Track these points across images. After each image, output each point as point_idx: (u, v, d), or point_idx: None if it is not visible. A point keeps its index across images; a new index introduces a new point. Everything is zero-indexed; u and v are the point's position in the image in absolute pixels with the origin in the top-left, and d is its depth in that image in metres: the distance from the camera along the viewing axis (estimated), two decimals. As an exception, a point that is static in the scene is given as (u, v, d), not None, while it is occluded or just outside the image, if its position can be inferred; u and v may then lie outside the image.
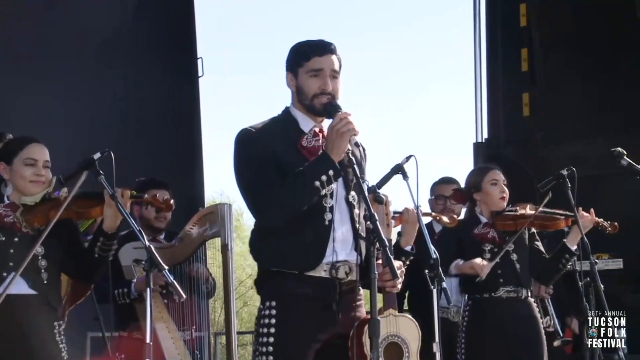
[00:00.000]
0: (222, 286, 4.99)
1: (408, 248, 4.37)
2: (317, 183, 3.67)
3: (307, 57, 3.85)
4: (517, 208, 5.49)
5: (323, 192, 3.71)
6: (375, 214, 3.48)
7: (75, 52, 8.04)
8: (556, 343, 6.65)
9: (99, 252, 4.19)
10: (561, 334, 6.79)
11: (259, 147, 3.78)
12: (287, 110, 3.95)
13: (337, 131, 3.65)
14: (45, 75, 7.66)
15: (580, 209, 5.38)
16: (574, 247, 5.39)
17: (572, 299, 6.86)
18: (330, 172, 3.68)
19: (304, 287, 3.76)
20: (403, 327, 3.96)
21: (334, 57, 3.86)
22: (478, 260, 5.32)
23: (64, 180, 4.14)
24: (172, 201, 4.43)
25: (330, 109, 3.76)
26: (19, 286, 4.06)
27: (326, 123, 3.82)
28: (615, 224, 5.59)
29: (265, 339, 3.75)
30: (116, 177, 4.06)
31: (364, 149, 4.03)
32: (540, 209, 5.42)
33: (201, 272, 5.31)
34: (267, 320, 3.77)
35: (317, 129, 3.87)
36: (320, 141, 3.83)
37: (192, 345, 5.23)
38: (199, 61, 9.26)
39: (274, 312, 3.77)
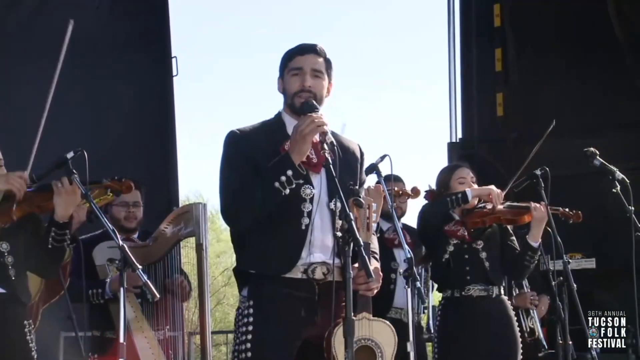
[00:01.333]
0: (196, 286, 4.99)
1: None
2: (277, 184, 3.70)
3: (290, 58, 3.94)
4: (486, 205, 5.52)
5: (285, 192, 3.71)
6: (351, 214, 3.49)
7: (48, 50, 7.97)
8: (540, 354, 6.67)
9: (52, 243, 4.15)
10: (545, 346, 6.80)
11: (240, 150, 3.84)
12: (278, 115, 4.00)
13: (300, 132, 3.69)
14: (17, 74, 7.59)
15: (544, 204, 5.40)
16: (535, 244, 5.39)
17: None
18: (289, 173, 3.71)
19: (280, 288, 3.78)
20: (377, 331, 3.95)
21: (317, 58, 3.91)
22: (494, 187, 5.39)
23: (37, 179, 4.13)
24: (131, 183, 4.39)
25: (307, 108, 3.78)
26: None
27: None
28: (579, 212, 5.61)
29: (243, 337, 3.79)
30: (90, 176, 4.04)
31: (362, 153, 4.08)
32: (507, 203, 5.46)
33: (180, 281, 5.29)
34: (245, 320, 3.81)
35: None
36: None
37: (166, 345, 5.22)
38: (174, 60, 9.22)
39: (251, 310, 3.80)
